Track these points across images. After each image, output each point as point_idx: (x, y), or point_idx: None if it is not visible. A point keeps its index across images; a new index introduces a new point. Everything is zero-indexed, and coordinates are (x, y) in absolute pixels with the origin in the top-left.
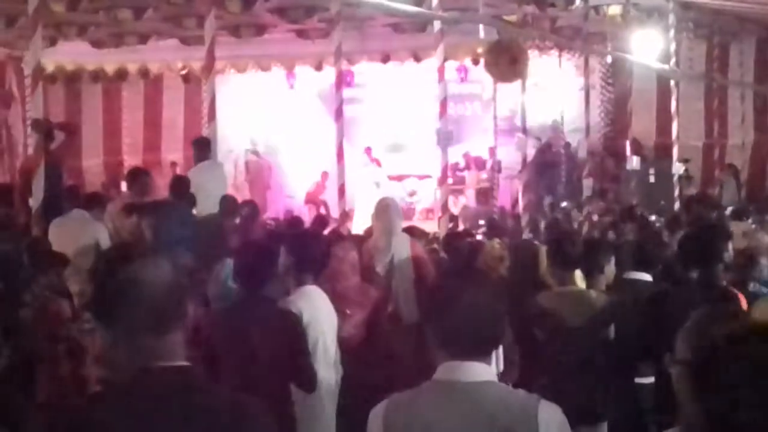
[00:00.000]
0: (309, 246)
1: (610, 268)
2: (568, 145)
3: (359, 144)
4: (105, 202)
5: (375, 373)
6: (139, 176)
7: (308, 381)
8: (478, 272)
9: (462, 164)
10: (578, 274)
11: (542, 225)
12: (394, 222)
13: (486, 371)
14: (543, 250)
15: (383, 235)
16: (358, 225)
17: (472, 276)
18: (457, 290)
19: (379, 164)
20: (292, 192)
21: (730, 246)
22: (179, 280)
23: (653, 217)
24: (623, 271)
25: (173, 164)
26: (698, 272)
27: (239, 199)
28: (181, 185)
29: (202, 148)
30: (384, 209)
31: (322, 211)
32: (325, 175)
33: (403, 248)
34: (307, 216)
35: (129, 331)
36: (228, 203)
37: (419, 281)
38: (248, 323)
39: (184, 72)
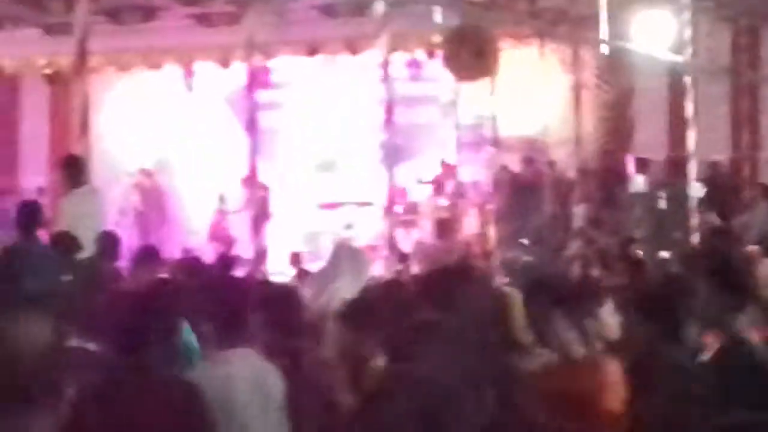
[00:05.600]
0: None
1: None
2: (552, 162)
3: (279, 162)
4: None
5: None
6: None
7: None
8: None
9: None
10: None
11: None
12: (364, 271)
13: None
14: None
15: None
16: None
17: None
18: None
19: None
20: (194, 226)
21: None
22: (52, 344)
23: (664, 254)
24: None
25: (41, 190)
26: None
27: (125, 237)
28: (30, 215)
29: (74, 170)
30: (353, 255)
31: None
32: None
33: None
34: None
35: None
36: (106, 242)
37: None
38: (126, 402)
39: (48, 71)
